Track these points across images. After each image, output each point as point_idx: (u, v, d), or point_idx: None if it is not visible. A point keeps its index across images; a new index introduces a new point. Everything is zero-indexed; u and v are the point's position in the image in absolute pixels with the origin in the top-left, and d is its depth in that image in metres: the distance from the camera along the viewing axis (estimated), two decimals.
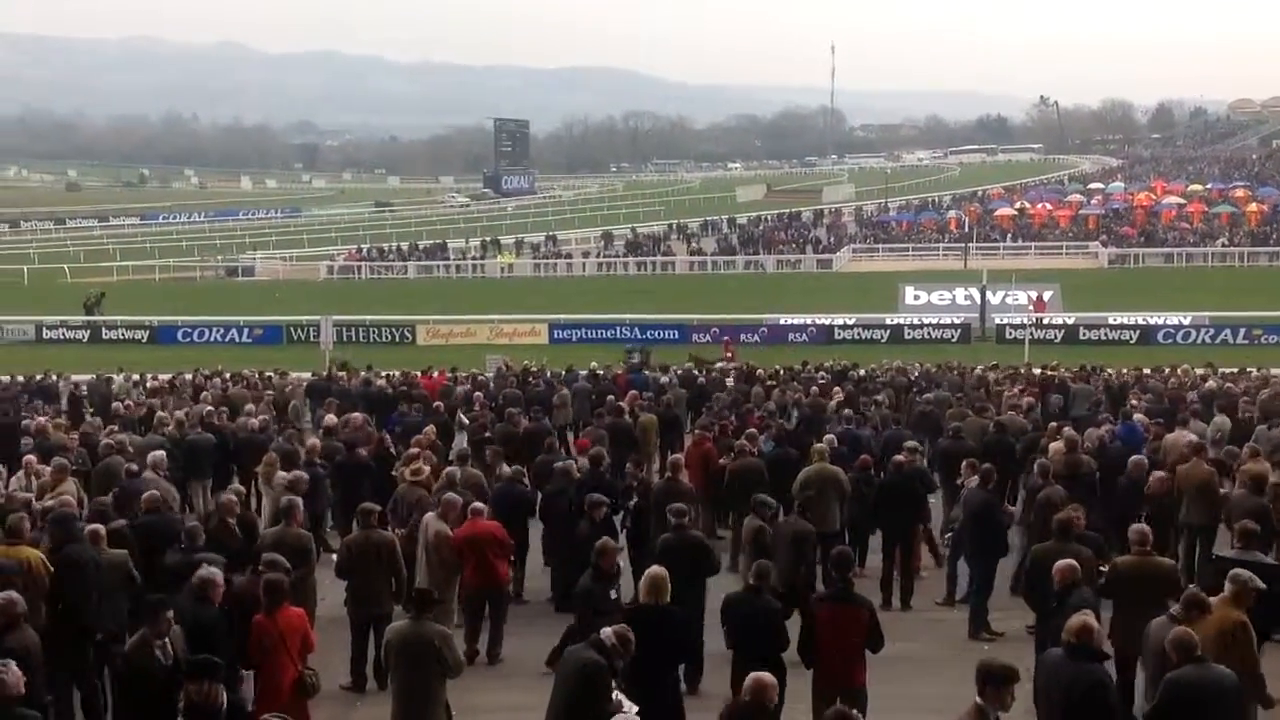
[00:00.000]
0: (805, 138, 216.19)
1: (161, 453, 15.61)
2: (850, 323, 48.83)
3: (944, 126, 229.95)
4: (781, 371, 29.24)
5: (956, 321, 48.84)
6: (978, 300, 50.29)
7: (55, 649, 10.68)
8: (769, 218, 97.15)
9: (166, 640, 8.55)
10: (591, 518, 13.16)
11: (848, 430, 19.07)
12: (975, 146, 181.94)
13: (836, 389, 25.10)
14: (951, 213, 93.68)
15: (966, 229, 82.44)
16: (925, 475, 16.51)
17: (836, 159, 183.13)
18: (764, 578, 10.37)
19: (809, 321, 49.10)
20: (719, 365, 32.63)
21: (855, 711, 7.18)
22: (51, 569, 10.93)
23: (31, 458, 16.21)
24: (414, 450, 16.65)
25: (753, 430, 18.27)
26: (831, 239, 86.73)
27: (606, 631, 8.69)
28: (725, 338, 42.55)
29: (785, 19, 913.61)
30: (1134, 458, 15.65)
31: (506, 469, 15.63)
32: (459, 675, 9.66)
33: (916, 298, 54.01)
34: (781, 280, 71.14)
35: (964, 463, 15.59)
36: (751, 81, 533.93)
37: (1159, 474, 14.83)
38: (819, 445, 16.42)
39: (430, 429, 18.97)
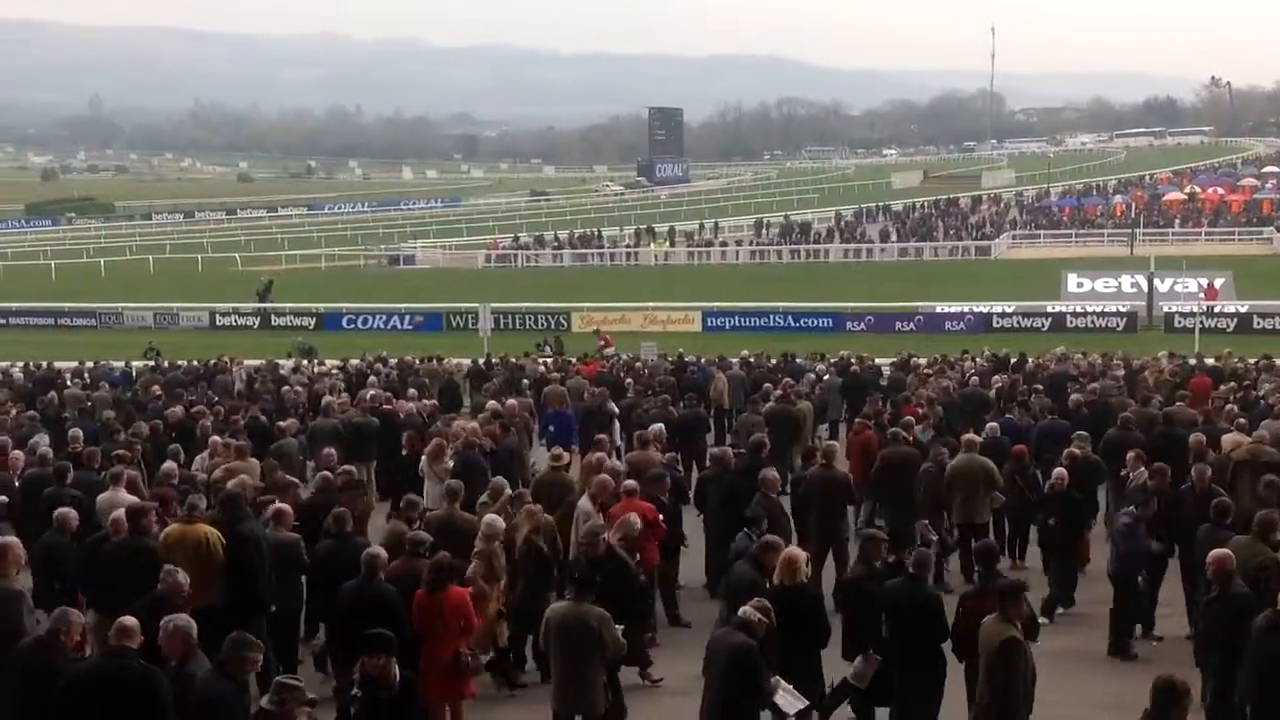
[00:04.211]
0: (963, 122, 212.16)
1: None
2: (1009, 310, 47.81)
3: (1109, 109, 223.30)
4: (939, 360, 28.82)
5: (1122, 310, 47.41)
6: (1145, 288, 48.71)
7: (232, 623, 11.14)
8: (925, 204, 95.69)
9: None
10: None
11: (1007, 420, 18.73)
12: (1142, 130, 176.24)
13: (996, 378, 24.64)
14: (1117, 198, 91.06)
15: (1133, 214, 79.98)
16: (1100, 468, 16.02)
17: (996, 144, 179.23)
18: (924, 566, 10.25)
19: (966, 309, 48.24)
20: (596, 353, 33.22)
21: None
22: (225, 546, 11.37)
23: (216, 439, 16.82)
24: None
25: (909, 419, 18.08)
26: (990, 226, 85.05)
27: (746, 609, 8.72)
28: (596, 328, 42.36)
29: (942, 1, 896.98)
30: None
31: (657, 455, 15.72)
32: (619, 655, 9.79)
33: (1080, 285, 52.46)
34: (938, 267, 70.03)
35: (1131, 454, 15.15)
36: (907, 66, 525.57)
37: None
38: (969, 436, 16.17)
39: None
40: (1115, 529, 13.23)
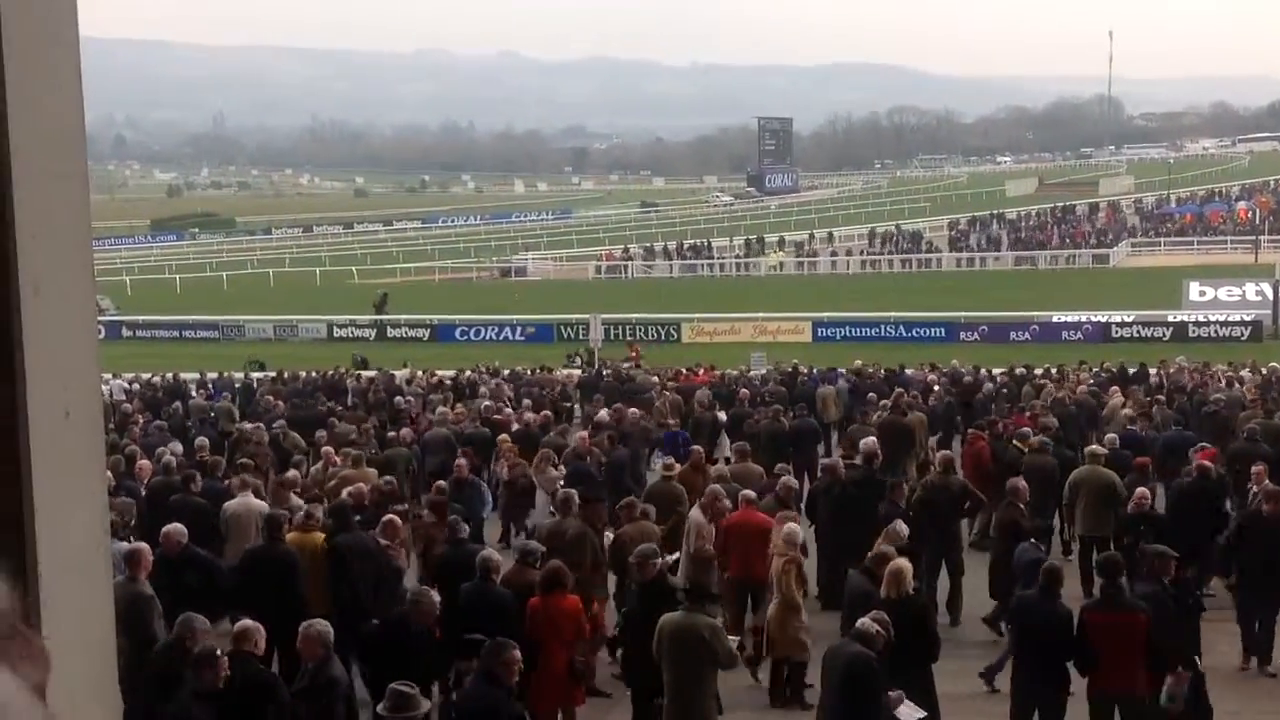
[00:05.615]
0: (1080, 128, 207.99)
1: None
2: (1129, 320, 46.75)
3: (1231, 113, 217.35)
4: (1054, 371, 28.33)
5: (1246, 319, 46.10)
6: (1270, 296, 47.37)
7: (336, 630, 11.30)
8: (1039, 212, 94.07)
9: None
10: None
11: (1130, 432, 18.34)
12: (1267, 134, 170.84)
13: (1115, 389, 24.16)
14: (1241, 204, 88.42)
15: (1257, 221, 77.68)
16: (1223, 481, 15.56)
17: (1114, 150, 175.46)
18: (1056, 580, 10.03)
19: (1084, 319, 47.26)
20: (625, 366, 32.83)
21: None
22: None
23: (329, 449, 17.17)
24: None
25: (1024, 430, 17.83)
26: (1108, 233, 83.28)
27: (865, 621, 8.67)
28: (630, 339, 41.77)
29: (1057, 5, 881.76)
30: None
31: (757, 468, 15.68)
32: (731, 667, 9.79)
33: (1202, 293, 51.21)
34: (1054, 276, 68.78)
35: (1256, 467, 14.70)
36: (1021, 72, 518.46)
37: None
38: (1092, 447, 15.86)
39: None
40: None
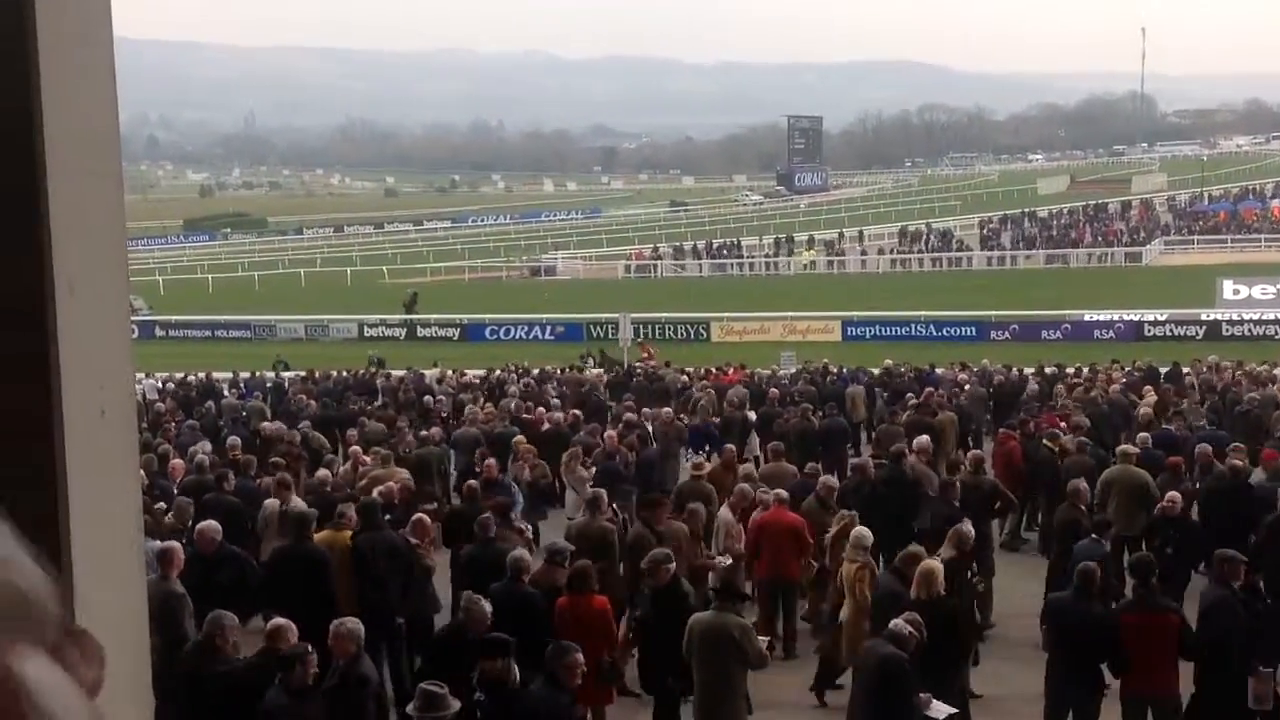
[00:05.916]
0: (1112, 126, 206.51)
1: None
2: (1162, 319, 46.37)
3: (1266, 110, 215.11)
4: (1086, 370, 28.14)
5: None
6: None
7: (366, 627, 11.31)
8: (1071, 210, 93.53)
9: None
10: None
11: (1164, 431, 18.19)
12: None
13: (1148, 388, 23.98)
14: (1275, 201, 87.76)
15: None
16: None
17: (1146, 147, 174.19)
18: (1090, 580, 9.96)
19: (1116, 318, 46.92)
20: (637, 366, 32.84)
21: None
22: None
23: (357, 448, 17.23)
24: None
25: (1054, 430, 17.74)
26: (1141, 231, 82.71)
27: (898, 622, 8.64)
28: (640, 340, 41.58)
29: (1089, 2, 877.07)
30: None
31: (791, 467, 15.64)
32: (761, 668, 9.77)
33: (1236, 292, 50.76)
34: (1086, 275, 68.32)
35: None
36: (1053, 69, 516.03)
37: None
38: (1124, 446, 15.74)
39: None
40: None
